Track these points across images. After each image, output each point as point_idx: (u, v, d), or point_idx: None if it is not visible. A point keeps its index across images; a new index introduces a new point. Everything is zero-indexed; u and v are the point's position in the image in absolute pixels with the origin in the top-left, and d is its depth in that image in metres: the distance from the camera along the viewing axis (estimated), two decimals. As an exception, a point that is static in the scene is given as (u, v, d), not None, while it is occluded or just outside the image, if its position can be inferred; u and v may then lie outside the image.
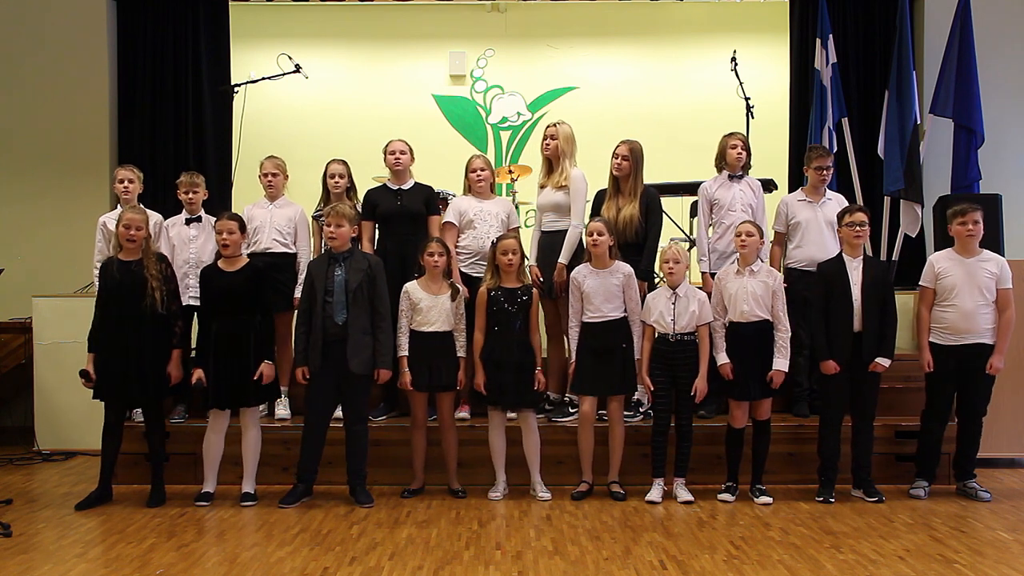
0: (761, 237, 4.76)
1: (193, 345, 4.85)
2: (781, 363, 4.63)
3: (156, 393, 4.64)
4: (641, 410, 5.15)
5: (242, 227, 4.72)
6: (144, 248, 4.63)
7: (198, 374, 4.62)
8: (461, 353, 4.74)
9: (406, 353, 4.72)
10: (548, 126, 5.22)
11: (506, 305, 4.65)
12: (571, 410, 5.09)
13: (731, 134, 5.25)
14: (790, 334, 4.68)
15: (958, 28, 6.43)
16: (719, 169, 5.28)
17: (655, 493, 4.68)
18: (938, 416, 4.78)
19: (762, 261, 4.80)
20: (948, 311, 4.71)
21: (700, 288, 4.91)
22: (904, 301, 5.10)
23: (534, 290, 4.75)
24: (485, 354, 4.69)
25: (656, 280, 5.16)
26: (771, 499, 4.65)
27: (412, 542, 4.03)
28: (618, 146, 5.11)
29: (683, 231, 6.34)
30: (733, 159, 5.18)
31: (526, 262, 5.00)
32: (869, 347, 4.64)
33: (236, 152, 6.46)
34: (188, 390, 4.74)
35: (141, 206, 5.07)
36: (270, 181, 5.26)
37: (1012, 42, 6.87)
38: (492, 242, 4.80)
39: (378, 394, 5.27)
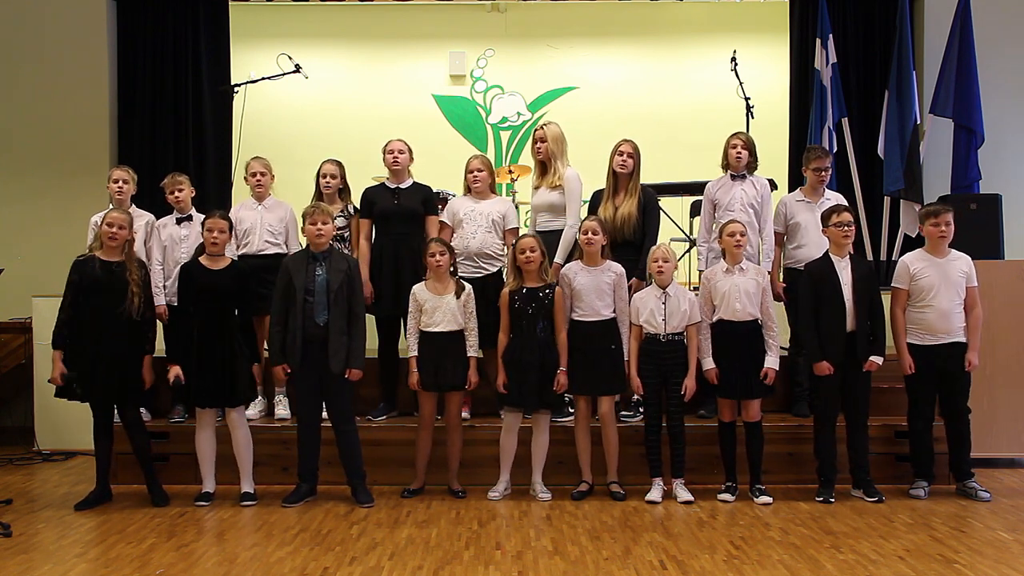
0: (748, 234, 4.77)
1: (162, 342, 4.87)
2: (773, 360, 4.64)
3: (126, 395, 4.62)
4: (641, 410, 5.14)
5: (231, 227, 4.72)
6: (127, 251, 4.62)
7: (175, 371, 4.59)
8: (471, 353, 4.73)
9: (415, 353, 4.72)
10: (536, 128, 5.25)
11: (525, 306, 4.64)
12: (571, 410, 5.09)
13: (734, 134, 5.25)
14: (778, 331, 4.69)
15: (958, 28, 6.43)
16: (724, 169, 5.28)
17: (655, 493, 4.68)
18: (922, 416, 4.79)
19: (752, 261, 4.83)
20: (926, 312, 4.72)
21: (693, 289, 4.91)
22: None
23: (558, 289, 4.72)
24: (507, 355, 4.69)
25: (650, 279, 5.17)
26: (771, 499, 4.65)
27: (412, 542, 4.03)
28: (622, 143, 5.10)
29: (683, 231, 6.35)
30: (732, 159, 5.18)
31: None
32: (862, 346, 4.64)
33: (236, 152, 6.45)
34: (179, 390, 4.68)
35: (127, 208, 5.08)
36: (259, 181, 5.24)
37: (1012, 42, 6.86)
38: (512, 244, 4.80)
39: (378, 394, 5.27)
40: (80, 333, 4.54)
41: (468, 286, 4.80)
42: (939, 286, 4.70)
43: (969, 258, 4.80)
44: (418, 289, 4.76)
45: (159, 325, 4.92)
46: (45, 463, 5.76)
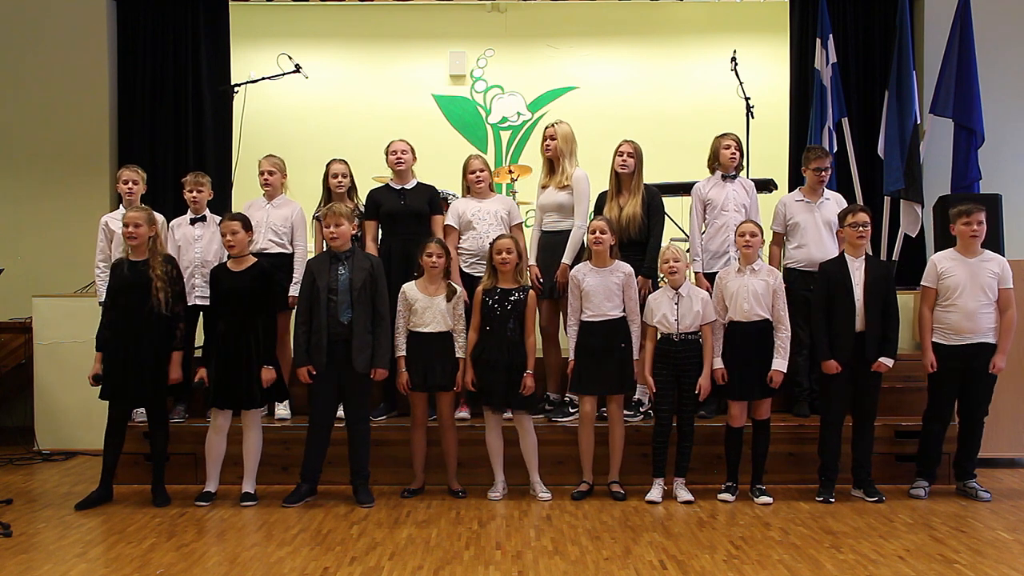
0: (761, 236, 4.77)
1: (200, 344, 4.88)
2: (780, 363, 4.64)
3: (156, 393, 4.65)
4: (642, 410, 5.14)
5: (246, 226, 4.71)
6: (151, 248, 4.64)
7: (201, 373, 4.64)
8: (460, 354, 4.73)
9: (403, 353, 4.72)
10: (547, 127, 5.23)
11: (496, 305, 4.65)
12: (571, 410, 5.10)
13: (724, 134, 5.26)
14: (790, 334, 4.69)
15: (958, 28, 6.43)
16: (712, 170, 5.29)
17: (655, 493, 4.68)
18: (939, 417, 4.78)
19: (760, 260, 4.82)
20: (951, 311, 4.70)
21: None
22: (904, 301, 5.10)
23: (531, 291, 4.74)
24: (476, 353, 4.69)
25: (660, 280, 5.17)
26: (771, 499, 4.65)
27: (412, 542, 4.03)
28: (622, 144, 5.11)
29: (683, 231, 6.34)
30: (726, 160, 5.18)
31: (530, 261, 5.04)
32: (872, 347, 4.63)
33: (236, 152, 6.46)
34: (188, 389, 4.76)
35: (145, 206, 5.09)
36: (267, 180, 5.25)
37: (1012, 42, 6.87)
38: (490, 242, 4.80)
39: (378, 394, 5.27)
40: (115, 334, 4.60)
41: (460, 289, 4.81)
42: (965, 286, 4.67)
43: (1004, 259, 4.76)
44: (408, 288, 4.76)
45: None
46: (45, 463, 5.76)
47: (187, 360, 4.78)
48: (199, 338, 5.09)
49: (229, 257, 4.75)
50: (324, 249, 5.21)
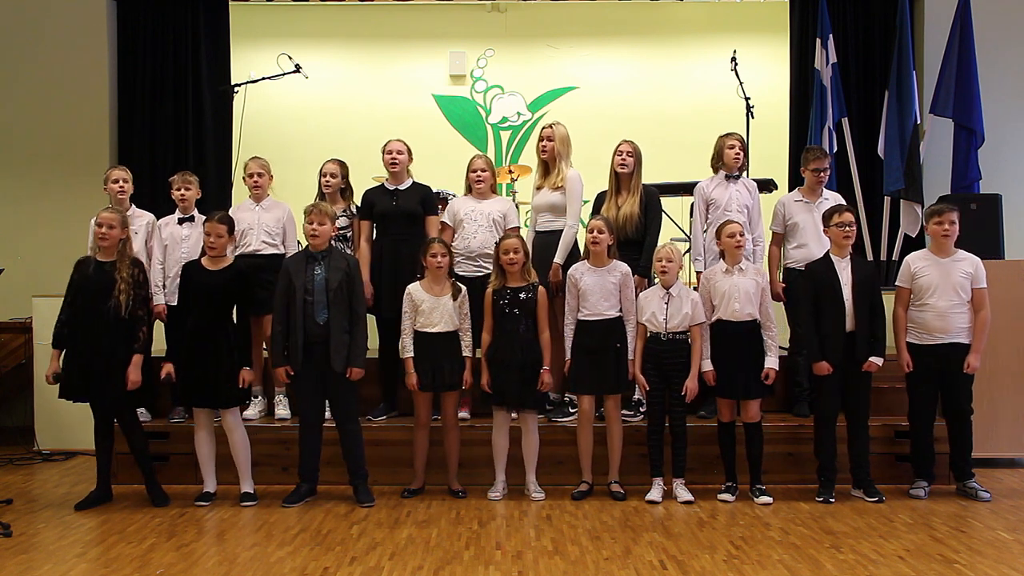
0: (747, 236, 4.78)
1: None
2: (772, 361, 4.64)
3: (116, 395, 4.58)
4: (641, 410, 5.14)
5: (231, 230, 4.70)
6: (120, 250, 4.61)
7: (167, 369, 4.62)
8: (467, 353, 4.74)
9: (411, 354, 4.71)
10: (543, 128, 5.24)
11: (507, 306, 4.65)
12: (571, 410, 5.10)
13: (728, 134, 5.25)
14: (777, 331, 4.69)
15: (958, 28, 6.44)
16: (715, 169, 5.28)
17: (655, 493, 4.68)
18: (921, 416, 4.78)
19: (750, 261, 4.84)
20: (924, 311, 4.72)
21: (694, 288, 4.91)
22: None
23: (541, 288, 4.74)
24: (490, 354, 4.69)
25: (654, 279, 5.17)
26: (771, 499, 4.65)
27: (412, 542, 4.03)
28: (622, 143, 5.12)
29: (683, 231, 6.34)
30: (730, 160, 5.17)
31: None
32: (861, 347, 4.63)
33: (236, 152, 6.45)
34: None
35: (121, 207, 5.06)
36: (256, 182, 5.23)
37: (1012, 42, 6.87)
38: (495, 243, 4.80)
39: (378, 394, 5.27)
40: (75, 333, 4.56)
41: (463, 288, 4.80)
42: (937, 286, 4.69)
43: (977, 259, 4.76)
44: (414, 289, 4.75)
45: (160, 325, 4.91)
46: (45, 463, 5.76)
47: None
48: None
49: (204, 254, 4.73)
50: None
